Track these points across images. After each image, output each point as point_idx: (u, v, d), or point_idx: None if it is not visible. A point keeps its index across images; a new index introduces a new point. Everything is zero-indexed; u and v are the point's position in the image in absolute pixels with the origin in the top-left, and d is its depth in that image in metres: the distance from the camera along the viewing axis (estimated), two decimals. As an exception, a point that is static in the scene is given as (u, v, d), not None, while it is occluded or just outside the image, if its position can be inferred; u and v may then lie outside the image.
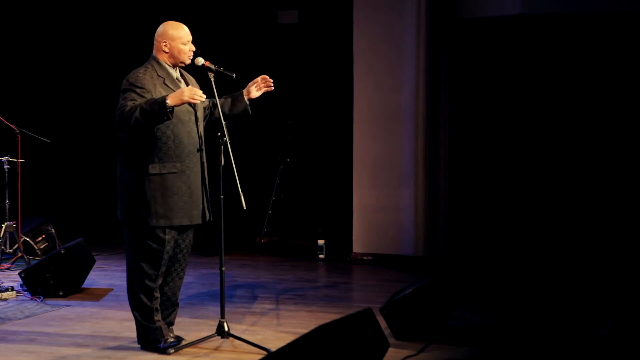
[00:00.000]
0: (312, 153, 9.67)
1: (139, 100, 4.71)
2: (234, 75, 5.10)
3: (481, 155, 8.91)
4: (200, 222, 4.99)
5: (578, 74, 8.62)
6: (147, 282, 4.89)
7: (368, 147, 8.42)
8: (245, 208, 4.85)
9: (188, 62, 4.96)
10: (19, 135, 7.76)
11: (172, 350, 4.90)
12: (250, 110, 5.24)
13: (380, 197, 8.38)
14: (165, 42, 4.90)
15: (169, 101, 4.60)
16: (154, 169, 4.80)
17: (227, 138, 4.89)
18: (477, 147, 8.92)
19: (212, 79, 5.04)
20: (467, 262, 8.18)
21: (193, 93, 4.67)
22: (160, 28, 4.96)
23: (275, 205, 9.22)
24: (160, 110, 4.60)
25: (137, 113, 4.64)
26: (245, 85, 5.28)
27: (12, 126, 7.75)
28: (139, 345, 5.04)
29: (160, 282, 4.95)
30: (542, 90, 8.79)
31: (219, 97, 5.05)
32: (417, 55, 8.18)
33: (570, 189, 8.66)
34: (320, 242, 8.60)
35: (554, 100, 8.76)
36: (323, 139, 9.65)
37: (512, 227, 8.67)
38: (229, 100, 5.22)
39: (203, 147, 4.96)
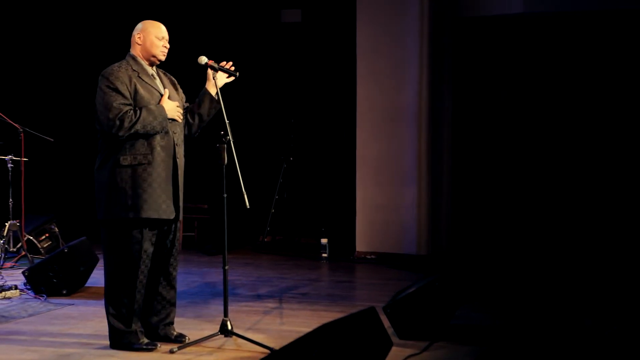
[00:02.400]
0: (315, 152, 9.68)
1: (122, 101, 4.73)
2: (237, 74, 5.11)
3: (484, 154, 8.91)
4: (170, 217, 4.87)
5: (581, 72, 8.62)
6: (127, 282, 4.81)
7: (371, 146, 8.42)
8: (248, 207, 4.83)
9: (161, 57, 4.94)
10: (22, 134, 7.77)
11: (175, 349, 4.89)
12: (216, 97, 5.05)
13: (383, 196, 8.38)
14: (139, 35, 4.95)
15: (168, 115, 4.83)
16: (125, 160, 4.77)
17: (230, 137, 4.88)
18: (480, 146, 8.92)
19: (215, 79, 5.04)
20: (470, 260, 8.18)
21: (177, 112, 4.91)
22: (137, 25, 4.99)
23: (278, 204, 9.23)
24: (162, 130, 4.81)
25: (138, 126, 4.72)
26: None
27: (16, 125, 7.76)
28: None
29: (141, 282, 4.84)
30: (545, 88, 8.79)
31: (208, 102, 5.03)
32: (420, 54, 8.17)
33: (573, 187, 8.65)
34: (324, 240, 8.60)
35: (557, 99, 8.75)
36: (326, 138, 9.65)
37: (515, 225, 8.66)
38: (198, 101, 5.12)
39: (176, 145, 4.90)
